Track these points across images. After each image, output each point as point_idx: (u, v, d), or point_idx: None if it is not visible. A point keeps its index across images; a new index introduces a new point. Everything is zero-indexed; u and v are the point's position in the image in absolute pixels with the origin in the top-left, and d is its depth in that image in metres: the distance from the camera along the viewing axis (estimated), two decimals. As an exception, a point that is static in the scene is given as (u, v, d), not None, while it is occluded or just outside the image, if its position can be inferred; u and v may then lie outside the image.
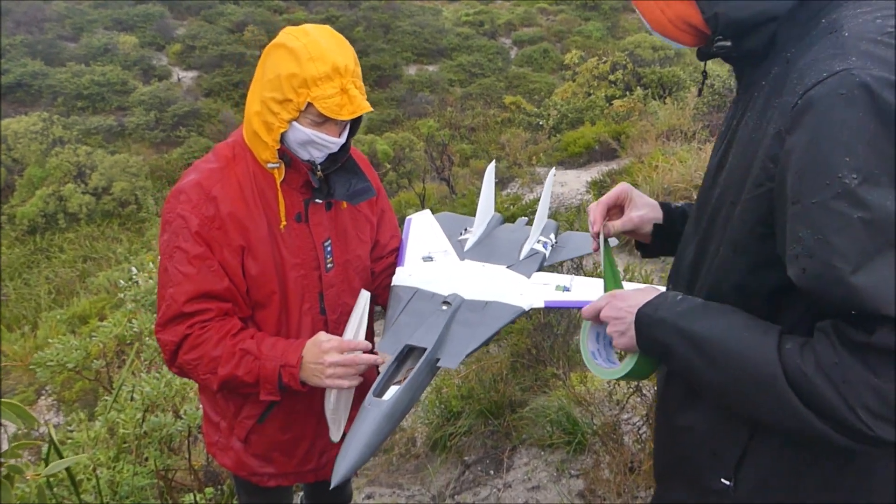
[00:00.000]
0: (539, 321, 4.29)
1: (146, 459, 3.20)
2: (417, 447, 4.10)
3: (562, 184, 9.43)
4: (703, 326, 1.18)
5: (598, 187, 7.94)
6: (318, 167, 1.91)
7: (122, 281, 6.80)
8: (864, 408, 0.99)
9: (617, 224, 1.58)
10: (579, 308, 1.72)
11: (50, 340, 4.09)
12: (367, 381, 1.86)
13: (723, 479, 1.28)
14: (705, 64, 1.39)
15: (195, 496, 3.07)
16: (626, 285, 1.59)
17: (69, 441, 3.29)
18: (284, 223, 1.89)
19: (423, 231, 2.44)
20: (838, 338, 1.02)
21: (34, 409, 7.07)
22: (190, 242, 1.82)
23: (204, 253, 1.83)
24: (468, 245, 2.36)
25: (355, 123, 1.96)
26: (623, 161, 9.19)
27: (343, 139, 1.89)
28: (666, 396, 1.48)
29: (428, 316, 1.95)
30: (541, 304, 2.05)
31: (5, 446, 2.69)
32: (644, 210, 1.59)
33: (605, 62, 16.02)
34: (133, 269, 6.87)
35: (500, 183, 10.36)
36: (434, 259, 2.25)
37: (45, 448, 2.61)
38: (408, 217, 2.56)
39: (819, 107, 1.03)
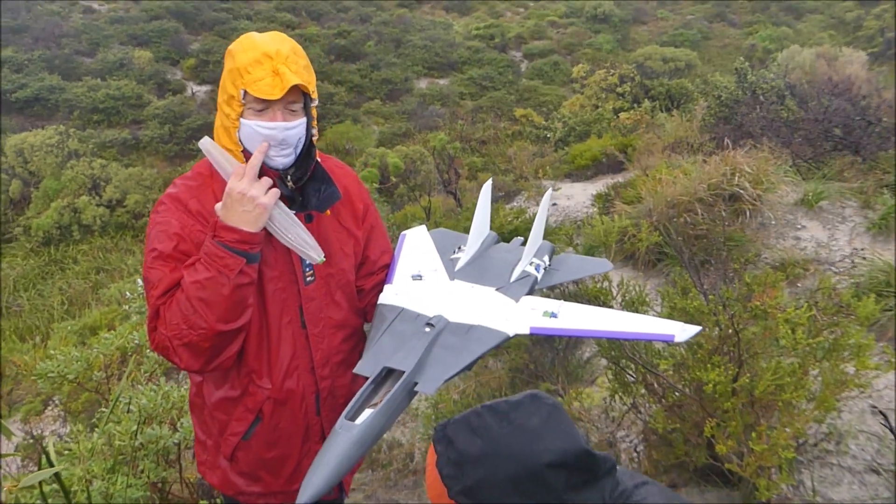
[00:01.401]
0: (538, 337, 4.28)
1: (142, 472, 3.21)
2: (415, 462, 4.09)
3: (568, 197, 9.42)
4: None
5: (604, 200, 7.92)
6: (289, 177, 1.91)
7: (128, 293, 6.85)
8: None
9: None
10: (566, 336, 1.69)
11: (52, 352, 4.12)
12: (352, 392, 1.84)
13: None
14: None
15: (189, 509, 3.08)
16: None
17: (66, 453, 3.30)
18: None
19: (416, 248, 2.40)
20: None
21: (41, 419, 7.11)
22: (164, 242, 1.85)
23: (179, 245, 1.85)
24: (459, 264, 2.32)
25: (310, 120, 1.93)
26: (629, 174, 9.18)
27: (295, 125, 1.86)
28: None
29: (410, 338, 1.93)
30: (526, 331, 2.01)
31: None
32: None
33: (612, 74, 16.01)
34: (140, 281, 6.91)
35: (506, 196, 10.36)
36: (423, 278, 2.22)
37: (41, 460, 2.63)
38: (402, 233, 2.53)
39: None
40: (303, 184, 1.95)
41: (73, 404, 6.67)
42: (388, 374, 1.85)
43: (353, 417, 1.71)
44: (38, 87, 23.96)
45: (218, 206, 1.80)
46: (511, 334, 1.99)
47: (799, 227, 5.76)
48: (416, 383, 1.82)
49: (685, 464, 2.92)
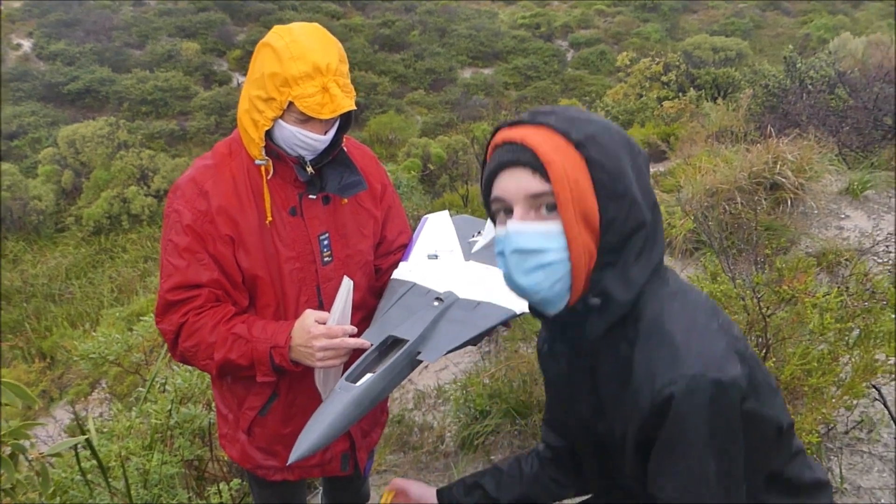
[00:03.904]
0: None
1: (177, 449, 3.30)
2: (446, 445, 4.12)
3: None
4: None
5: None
6: (307, 163, 1.93)
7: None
8: None
9: None
10: None
11: (93, 334, 4.24)
12: (354, 359, 1.89)
13: None
14: None
15: (219, 487, 3.15)
16: None
17: (106, 430, 3.40)
18: (270, 218, 1.92)
19: (436, 231, 2.42)
20: None
21: (88, 401, 7.33)
22: (181, 235, 1.89)
23: (193, 245, 1.89)
24: (476, 247, 2.33)
25: (347, 119, 1.97)
26: (670, 163, 9.04)
27: (329, 137, 1.90)
28: None
29: (418, 310, 1.96)
30: None
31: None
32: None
33: (657, 63, 15.79)
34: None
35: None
36: (439, 257, 2.25)
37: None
38: (424, 216, 2.57)
39: (677, 408, 1.14)
40: (321, 166, 1.98)
41: (119, 387, 6.87)
42: (393, 343, 1.88)
43: (354, 380, 1.74)
44: (89, 80, 24.60)
45: (300, 327, 1.88)
46: (518, 311, 2.00)
47: (843, 216, 5.63)
48: (419, 352, 1.86)
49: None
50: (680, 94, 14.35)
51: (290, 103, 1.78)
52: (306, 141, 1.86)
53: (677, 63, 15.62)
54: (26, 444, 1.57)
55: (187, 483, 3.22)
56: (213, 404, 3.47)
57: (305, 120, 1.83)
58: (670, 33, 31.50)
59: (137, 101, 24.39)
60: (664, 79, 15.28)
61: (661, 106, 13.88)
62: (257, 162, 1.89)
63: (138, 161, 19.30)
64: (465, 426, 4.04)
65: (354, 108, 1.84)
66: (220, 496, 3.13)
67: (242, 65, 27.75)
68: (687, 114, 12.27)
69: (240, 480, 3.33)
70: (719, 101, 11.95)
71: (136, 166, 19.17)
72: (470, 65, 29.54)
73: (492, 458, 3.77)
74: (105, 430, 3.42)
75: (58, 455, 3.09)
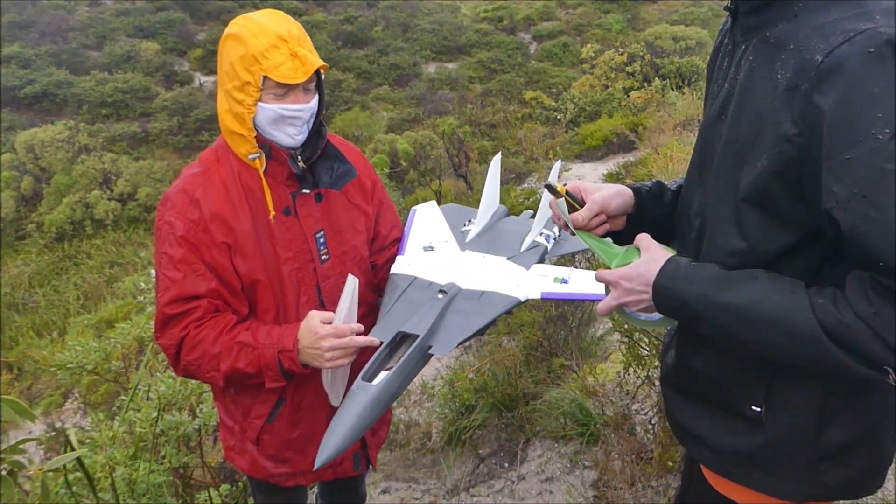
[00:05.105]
0: (552, 314, 4.29)
1: (163, 458, 3.25)
2: (433, 441, 4.12)
3: (579, 177, 9.40)
4: (734, 296, 1.22)
5: (615, 179, 7.90)
6: (299, 155, 1.92)
7: (142, 284, 6.90)
8: None
9: (583, 212, 1.53)
10: (577, 300, 1.70)
11: (69, 343, 4.16)
12: (361, 357, 1.88)
13: (753, 407, 1.34)
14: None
15: (210, 493, 3.11)
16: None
17: (88, 441, 3.35)
18: (273, 213, 1.91)
19: (427, 222, 2.44)
20: (873, 287, 1.07)
21: (61, 412, 7.20)
22: (175, 247, 1.86)
23: (188, 256, 1.86)
24: (470, 236, 2.35)
25: (321, 101, 1.95)
26: (640, 152, 9.14)
27: (313, 105, 1.89)
28: (681, 341, 1.52)
29: (423, 304, 1.96)
30: (537, 296, 2.05)
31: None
32: (603, 191, 1.57)
33: (622, 54, 15.90)
34: (153, 272, 6.96)
35: (518, 178, 10.36)
36: (434, 249, 2.26)
37: (63, 449, 2.66)
38: (413, 208, 2.56)
39: (848, 65, 1.06)
40: (312, 162, 1.97)
41: (93, 396, 6.75)
42: (402, 338, 1.88)
43: (369, 379, 1.74)
44: (46, 83, 24.04)
45: (305, 328, 1.85)
46: (522, 299, 2.02)
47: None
48: (430, 346, 1.86)
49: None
50: (645, 84, 14.48)
51: (265, 79, 1.77)
52: (291, 114, 1.84)
53: (641, 53, 15.75)
54: (23, 460, 1.53)
55: (176, 491, 3.18)
56: (198, 410, 3.44)
57: (284, 93, 1.82)
58: (631, 24, 31.70)
59: (97, 104, 23.89)
60: (629, 69, 15.40)
61: (628, 96, 14.00)
62: (251, 156, 1.86)
63: (100, 165, 18.93)
64: (451, 422, 4.05)
65: (324, 63, 1.84)
66: (211, 502, 3.09)
67: (204, 64, 27.37)
68: (654, 104, 12.39)
69: (229, 486, 3.30)
70: (684, 89, 12.08)
71: (98, 170, 18.80)
72: (434, 59, 29.46)
73: (479, 451, 3.78)
74: (87, 440, 3.36)
75: (20, 468, 3.02)
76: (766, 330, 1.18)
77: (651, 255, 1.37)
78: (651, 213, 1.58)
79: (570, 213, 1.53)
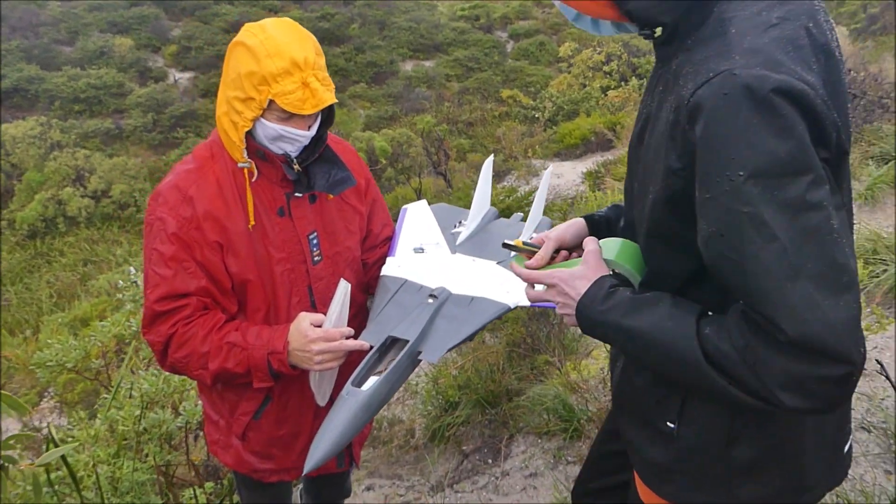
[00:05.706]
0: (534, 311, 4.31)
1: (147, 456, 3.23)
2: (416, 438, 4.13)
3: (558, 175, 9.45)
4: (634, 320, 1.26)
5: (594, 177, 7.96)
6: (294, 160, 1.90)
7: (121, 282, 6.82)
8: (777, 386, 1.07)
9: (540, 252, 1.55)
10: None
11: (48, 341, 4.11)
12: (350, 360, 1.88)
13: (668, 423, 1.38)
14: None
15: (195, 491, 3.10)
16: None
17: (69, 440, 3.31)
18: (252, 223, 1.89)
19: (418, 222, 2.43)
20: (745, 320, 1.10)
21: (36, 411, 7.10)
22: (166, 244, 1.84)
23: (179, 253, 1.84)
24: (461, 238, 2.35)
25: (329, 113, 1.94)
26: (619, 151, 9.21)
27: (313, 132, 1.88)
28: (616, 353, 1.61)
29: (413, 308, 1.95)
30: (527, 303, 2.04)
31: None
32: (557, 229, 1.61)
33: (599, 53, 16.01)
34: (132, 269, 6.88)
35: (497, 176, 10.39)
36: (425, 251, 2.25)
37: (45, 447, 2.64)
38: (404, 207, 2.55)
39: (706, 106, 1.08)
40: (308, 164, 1.95)
41: (70, 395, 6.67)
42: (392, 343, 1.88)
43: (359, 384, 1.74)
44: (16, 78, 23.67)
45: (295, 330, 1.85)
46: (512, 305, 2.02)
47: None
48: (419, 352, 1.86)
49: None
50: (623, 84, 14.58)
51: (271, 101, 1.74)
52: (292, 137, 1.83)
53: (618, 53, 15.86)
54: (14, 454, 1.51)
55: (160, 489, 3.15)
56: (181, 408, 3.42)
57: (287, 117, 1.79)
58: (607, 23, 31.91)
59: (70, 100, 23.56)
60: (606, 69, 15.50)
61: (606, 95, 14.09)
62: (240, 165, 1.85)
63: (73, 161, 18.67)
64: (434, 418, 4.06)
65: (336, 101, 1.81)
66: (196, 500, 3.07)
67: (179, 60, 27.11)
68: (631, 103, 12.49)
69: (213, 484, 3.28)
70: (661, 89, 12.19)
71: (70, 167, 18.55)
72: (411, 57, 29.43)
73: (463, 448, 3.80)
74: (69, 439, 3.33)
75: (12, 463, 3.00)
76: (659, 355, 1.23)
77: (585, 270, 1.40)
78: (605, 237, 1.63)
79: (530, 258, 1.55)
